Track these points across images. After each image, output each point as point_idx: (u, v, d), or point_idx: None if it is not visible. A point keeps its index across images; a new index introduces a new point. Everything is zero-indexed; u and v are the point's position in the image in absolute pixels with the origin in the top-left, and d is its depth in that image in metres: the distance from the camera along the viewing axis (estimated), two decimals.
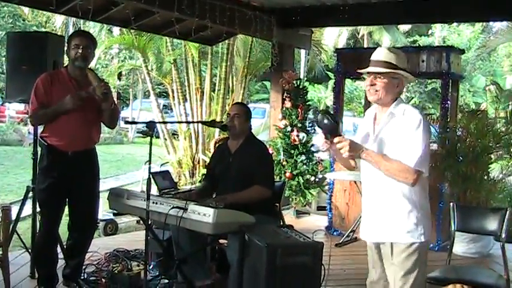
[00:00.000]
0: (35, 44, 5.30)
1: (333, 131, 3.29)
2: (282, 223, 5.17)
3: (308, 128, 8.65)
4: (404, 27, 31.19)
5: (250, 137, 5.09)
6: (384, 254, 3.43)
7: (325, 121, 3.30)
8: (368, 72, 3.40)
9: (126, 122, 11.88)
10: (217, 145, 6.76)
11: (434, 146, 7.08)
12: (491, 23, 27.20)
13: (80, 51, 4.69)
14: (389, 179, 3.28)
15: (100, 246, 5.98)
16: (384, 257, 3.45)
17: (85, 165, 4.83)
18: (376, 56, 3.42)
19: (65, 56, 5.10)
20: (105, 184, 9.70)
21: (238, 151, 5.00)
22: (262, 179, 4.85)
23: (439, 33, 31.03)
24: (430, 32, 31.97)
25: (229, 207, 4.31)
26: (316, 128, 3.47)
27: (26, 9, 18.29)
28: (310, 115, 3.41)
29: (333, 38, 29.38)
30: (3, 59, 24.29)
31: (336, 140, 3.26)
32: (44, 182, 4.74)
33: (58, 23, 18.75)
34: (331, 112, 3.35)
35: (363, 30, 30.83)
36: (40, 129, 5.00)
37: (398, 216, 3.33)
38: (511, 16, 8.37)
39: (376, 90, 3.36)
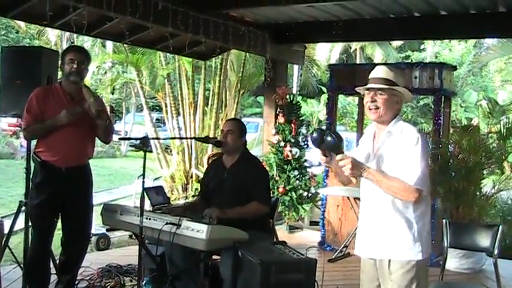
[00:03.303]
0: (29, 59, 5.30)
1: (336, 148, 3.29)
2: (275, 239, 5.17)
3: (301, 143, 8.68)
4: (397, 43, 31.32)
5: (245, 152, 5.08)
6: (380, 270, 3.43)
7: (329, 138, 3.30)
8: (368, 89, 3.41)
9: (120, 139, 11.81)
10: (211, 160, 6.74)
11: None
12: (482, 39, 27.39)
13: (75, 66, 4.71)
14: (388, 196, 3.30)
15: (92, 261, 5.96)
16: (380, 274, 3.45)
17: (79, 180, 4.83)
18: (375, 73, 3.44)
19: (59, 71, 5.11)
20: (98, 198, 9.67)
21: (233, 167, 4.99)
22: (260, 195, 4.84)
23: (431, 49, 31.20)
24: (422, 47, 32.14)
25: (223, 223, 4.32)
26: (312, 145, 3.49)
27: (20, 22, 18.24)
28: (314, 134, 3.36)
29: (325, 52, 29.48)
30: None
31: (338, 157, 3.26)
32: (37, 197, 4.73)
33: (51, 37, 18.74)
34: (334, 130, 3.38)
35: (355, 45, 30.94)
36: (33, 143, 4.99)
37: (397, 233, 3.34)
38: (503, 33, 8.43)
39: (377, 108, 3.36)
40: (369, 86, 3.41)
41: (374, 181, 3.32)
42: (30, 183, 4.99)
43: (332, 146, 3.29)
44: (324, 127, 3.34)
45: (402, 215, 3.33)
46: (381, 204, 3.37)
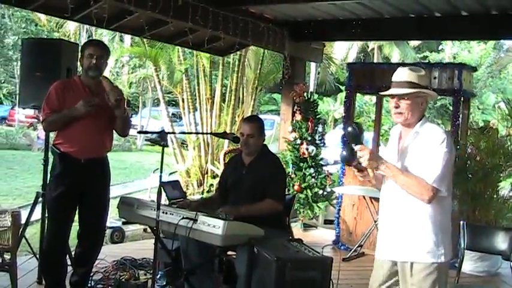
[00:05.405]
0: (49, 51, 5.33)
1: (356, 139, 3.31)
2: (291, 237, 5.16)
3: (317, 141, 8.67)
4: (415, 42, 31.22)
5: (264, 149, 5.08)
6: (402, 273, 3.41)
7: (350, 129, 3.34)
8: (391, 94, 3.40)
9: (139, 132, 11.92)
10: (229, 157, 6.74)
11: None
12: (502, 41, 27.24)
13: (94, 61, 4.72)
14: (412, 198, 3.28)
15: (107, 254, 5.97)
16: (401, 276, 3.43)
17: (97, 173, 4.84)
18: (398, 76, 3.40)
19: (78, 64, 5.13)
20: (113, 191, 9.68)
21: (252, 164, 4.99)
22: (274, 193, 4.84)
23: (450, 50, 31.00)
24: (440, 48, 31.95)
25: (239, 220, 4.32)
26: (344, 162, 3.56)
27: (41, 15, 18.38)
28: (344, 152, 3.39)
29: (343, 51, 29.46)
30: (15, 64, 24.69)
31: (357, 147, 3.28)
32: (55, 189, 4.74)
33: (71, 28, 18.84)
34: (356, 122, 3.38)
35: (373, 44, 30.86)
36: (52, 136, 5.02)
37: (420, 235, 3.33)
38: None
39: (401, 113, 3.35)
40: (391, 92, 3.39)
41: (390, 175, 3.32)
42: (48, 175, 5.02)
43: (352, 137, 3.32)
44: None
45: (425, 217, 3.31)
46: (404, 206, 3.35)
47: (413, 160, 3.32)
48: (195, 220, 4.17)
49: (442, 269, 3.35)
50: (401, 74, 3.39)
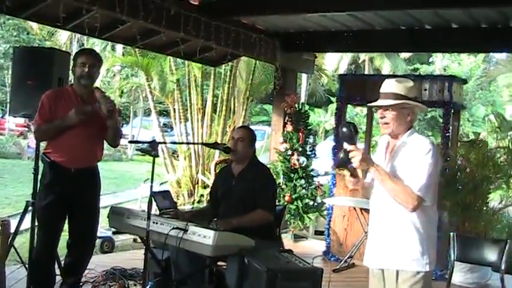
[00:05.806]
0: (41, 60, 5.31)
1: (350, 139, 3.33)
2: (281, 247, 5.16)
3: (308, 152, 8.69)
4: (405, 55, 31.37)
5: (254, 160, 5.09)
6: (388, 281, 3.43)
7: (344, 129, 3.35)
8: (375, 106, 3.42)
9: (130, 142, 11.84)
10: (220, 167, 6.74)
11: None
12: (491, 54, 27.43)
13: (86, 69, 4.72)
14: (398, 207, 3.30)
15: (97, 263, 5.94)
16: (387, 285, 3.44)
17: (87, 182, 4.83)
18: (384, 88, 3.44)
19: (70, 73, 5.12)
20: (103, 201, 9.63)
21: (242, 174, 4.99)
22: (265, 203, 4.84)
23: (440, 62, 31.19)
24: (431, 60, 32.15)
25: (229, 230, 4.31)
26: (338, 166, 3.57)
27: (33, 23, 18.34)
28: (341, 155, 3.40)
29: (334, 62, 29.54)
30: (6, 72, 24.60)
31: (350, 147, 3.30)
32: (45, 198, 4.73)
33: (63, 38, 18.80)
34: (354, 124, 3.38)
35: (364, 55, 30.98)
36: (42, 144, 5.00)
37: (405, 243, 3.35)
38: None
39: (387, 123, 3.39)
40: (377, 103, 3.43)
41: (379, 179, 3.34)
42: (38, 184, 5.01)
43: (346, 137, 3.35)
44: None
45: (411, 226, 3.33)
46: (391, 214, 3.38)
47: (399, 169, 3.35)
48: (185, 230, 4.17)
49: (428, 278, 3.37)
50: (388, 86, 3.43)
